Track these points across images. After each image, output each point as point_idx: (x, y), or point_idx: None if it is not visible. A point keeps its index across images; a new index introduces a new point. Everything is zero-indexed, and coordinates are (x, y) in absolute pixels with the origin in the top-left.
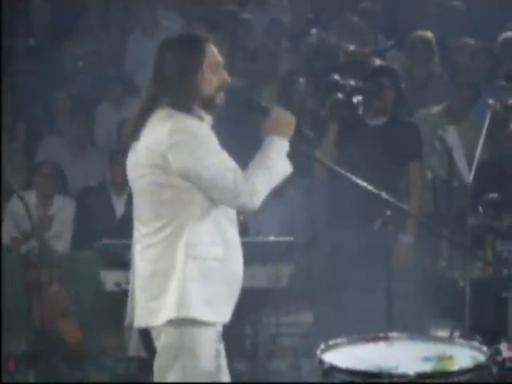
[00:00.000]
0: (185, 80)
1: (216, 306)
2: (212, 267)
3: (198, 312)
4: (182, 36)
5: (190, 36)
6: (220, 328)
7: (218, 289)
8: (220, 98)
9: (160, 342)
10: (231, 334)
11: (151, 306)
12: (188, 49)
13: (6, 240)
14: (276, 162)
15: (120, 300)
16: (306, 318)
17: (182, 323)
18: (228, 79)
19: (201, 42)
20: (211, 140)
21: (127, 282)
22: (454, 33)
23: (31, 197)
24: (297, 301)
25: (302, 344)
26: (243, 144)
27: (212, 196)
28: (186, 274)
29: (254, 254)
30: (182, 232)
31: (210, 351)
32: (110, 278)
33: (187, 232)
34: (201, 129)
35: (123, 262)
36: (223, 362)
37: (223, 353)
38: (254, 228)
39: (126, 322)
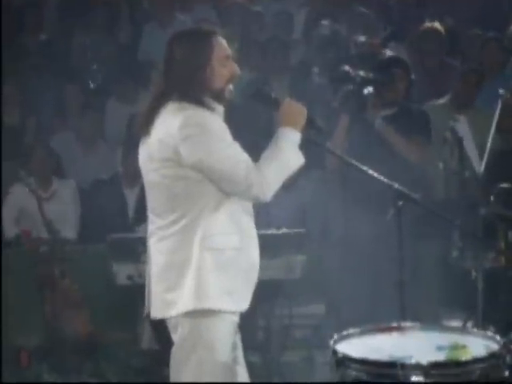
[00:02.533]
0: (194, 74)
1: (235, 295)
2: (228, 257)
3: (215, 302)
4: (191, 30)
5: (198, 30)
6: (237, 319)
7: (236, 278)
8: (229, 90)
9: (177, 334)
10: (244, 326)
11: (167, 298)
12: (197, 43)
13: (10, 233)
14: (288, 154)
15: (132, 293)
16: (319, 309)
17: (199, 315)
18: (238, 71)
19: (209, 36)
20: (223, 132)
21: (139, 275)
22: (464, 23)
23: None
24: (309, 292)
25: (314, 335)
26: (256, 135)
27: (224, 188)
28: (203, 265)
29: (265, 246)
30: (197, 223)
31: (226, 343)
32: (121, 271)
33: (202, 223)
34: (212, 121)
35: (135, 255)
36: (240, 353)
37: (240, 344)
38: (265, 219)
39: (144, 313)
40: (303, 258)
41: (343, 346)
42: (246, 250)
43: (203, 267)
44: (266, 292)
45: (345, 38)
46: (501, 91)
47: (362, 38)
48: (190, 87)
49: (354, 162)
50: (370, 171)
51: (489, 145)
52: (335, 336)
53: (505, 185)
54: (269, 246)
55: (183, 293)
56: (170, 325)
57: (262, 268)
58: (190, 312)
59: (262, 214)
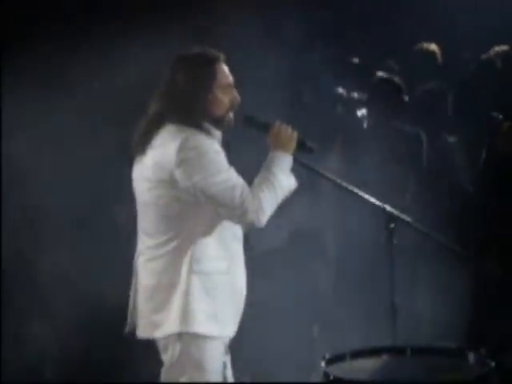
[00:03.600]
0: (195, 101)
1: (221, 321)
2: (216, 282)
3: (201, 327)
4: (195, 55)
5: (202, 55)
6: (226, 340)
7: (223, 303)
8: (230, 118)
9: (167, 355)
10: (233, 347)
11: (154, 319)
12: (200, 69)
13: None
14: (280, 178)
15: None
16: (312, 331)
17: (189, 336)
18: (239, 99)
19: (213, 63)
20: (219, 157)
21: None
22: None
23: None
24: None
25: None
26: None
27: (219, 212)
28: (190, 288)
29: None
30: (188, 246)
31: (217, 364)
32: None
33: (192, 246)
34: (209, 145)
35: None
36: (229, 373)
37: (229, 364)
38: (257, 241)
39: (126, 330)
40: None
41: (334, 367)
42: (233, 276)
43: (190, 291)
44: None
45: (340, 58)
46: (495, 114)
47: (356, 60)
48: (190, 112)
49: (346, 184)
50: (363, 194)
51: (481, 166)
52: (326, 357)
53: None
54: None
55: (170, 315)
56: (160, 345)
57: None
58: (179, 334)
59: (254, 235)
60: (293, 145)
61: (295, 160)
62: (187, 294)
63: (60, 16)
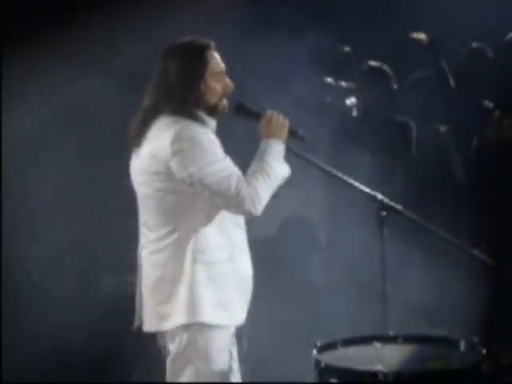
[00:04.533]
0: (188, 89)
1: (228, 309)
2: (221, 270)
3: (208, 316)
4: (185, 43)
5: (192, 43)
6: (233, 330)
7: (229, 291)
8: (223, 105)
9: (174, 345)
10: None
11: (160, 311)
12: (191, 57)
13: None
14: (274, 166)
15: None
16: (304, 319)
17: (196, 327)
18: (231, 85)
19: (203, 50)
20: (214, 146)
21: None
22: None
23: None
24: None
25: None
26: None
27: (216, 202)
28: (195, 278)
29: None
30: (189, 237)
31: (223, 355)
32: None
33: (194, 237)
34: (204, 135)
35: None
36: (235, 365)
37: (235, 355)
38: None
39: (134, 326)
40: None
41: (326, 355)
42: (238, 263)
43: (195, 281)
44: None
45: (329, 47)
46: (486, 103)
47: (347, 48)
48: (184, 102)
49: (336, 172)
50: (354, 182)
51: (472, 155)
52: (318, 345)
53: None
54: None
55: (176, 306)
56: (168, 335)
57: None
58: (186, 325)
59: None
60: (285, 133)
61: (286, 148)
62: (192, 284)
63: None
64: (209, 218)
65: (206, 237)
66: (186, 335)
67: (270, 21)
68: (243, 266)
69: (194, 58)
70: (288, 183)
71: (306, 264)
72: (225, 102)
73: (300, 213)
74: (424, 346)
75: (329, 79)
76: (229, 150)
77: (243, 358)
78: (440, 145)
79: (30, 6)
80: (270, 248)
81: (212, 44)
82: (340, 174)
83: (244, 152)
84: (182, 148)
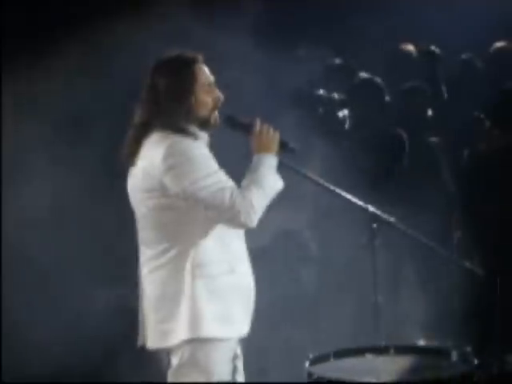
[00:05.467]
0: (178, 104)
1: (230, 322)
2: (221, 284)
3: (211, 330)
4: (172, 58)
5: (180, 57)
6: (236, 345)
7: (231, 304)
8: (215, 117)
9: (176, 359)
10: None
11: (162, 328)
12: (179, 71)
13: None
14: (268, 179)
15: None
16: (297, 331)
17: (198, 342)
18: (221, 98)
19: (192, 64)
20: (207, 159)
21: None
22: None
23: None
24: (287, 315)
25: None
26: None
27: (211, 216)
28: (196, 294)
29: None
30: (187, 252)
31: (224, 368)
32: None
33: (192, 252)
34: (196, 149)
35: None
36: (240, 378)
37: (241, 369)
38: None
39: (138, 344)
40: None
41: (318, 367)
42: (238, 275)
43: (196, 296)
44: None
45: (321, 60)
46: (476, 113)
47: (338, 61)
48: (174, 117)
49: (328, 184)
50: (346, 194)
51: (463, 166)
52: (310, 357)
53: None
54: None
55: (178, 323)
56: (170, 349)
57: None
58: (187, 340)
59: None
60: (275, 145)
61: (279, 161)
62: (193, 299)
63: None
64: (206, 232)
65: (204, 251)
66: (188, 349)
67: (262, 33)
68: (244, 277)
69: (183, 72)
70: (279, 195)
71: (297, 276)
72: (216, 114)
73: (291, 226)
74: (416, 356)
75: (321, 91)
76: (225, 161)
77: None
78: (431, 156)
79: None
80: (260, 261)
81: (200, 57)
82: (331, 187)
83: (241, 163)
84: (174, 164)
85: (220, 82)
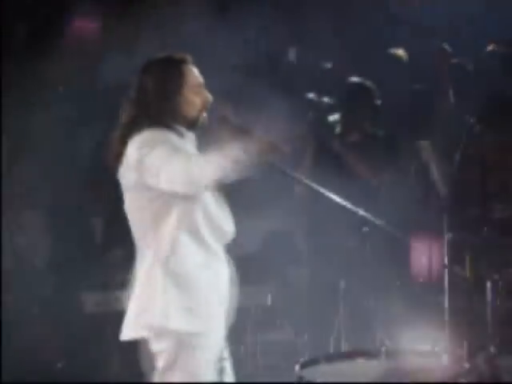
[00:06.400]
0: (166, 104)
1: (199, 316)
2: (192, 278)
3: (178, 323)
4: (162, 59)
5: (169, 58)
6: (218, 345)
7: (201, 299)
8: (203, 118)
9: (160, 361)
10: None
11: (138, 321)
12: (168, 72)
13: None
14: (217, 160)
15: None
16: (288, 335)
17: (174, 338)
18: (210, 98)
19: (180, 64)
20: (170, 143)
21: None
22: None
23: None
24: (278, 319)
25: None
26: None
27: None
28: (167, 287)
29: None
30: (161, 248)
31: (207, 370)
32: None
33: (165, 247)
34: (169, 137)
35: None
36: (228, 379)
37: (228, 370)
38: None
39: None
40: (272, 284)
41: (309, 371)
42: (214, 272)
43: (167, 289)
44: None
45: (313, 64)
46: (467, 118)
47: (328, 65)
48: (161, 114)
49: (319, 188)
50: (336, 198)
51: (454, 170)
52: (301, 361)
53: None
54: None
55: (149, 315)
56: (154, 351)
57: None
58: (161, 333)
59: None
60: (266, 152)
61: (270, 165)
62: (164, 293)
63: None
64: (180, 226)
65: (177, 245)
66: (169, 350)
67: (251, 38)
68: (217, 272)
69: (171, 72)
70: (272, 200)
71: (290, 279)
72: (204, 115)
73: (283, 229)
74: (407, 359)
75: (311, 95)
76: None
77: None
78: (422, 159)
79: None
80: (252, 264)
81: (189, 58)
82: (323, 190)
83: None
84: (145, 152)
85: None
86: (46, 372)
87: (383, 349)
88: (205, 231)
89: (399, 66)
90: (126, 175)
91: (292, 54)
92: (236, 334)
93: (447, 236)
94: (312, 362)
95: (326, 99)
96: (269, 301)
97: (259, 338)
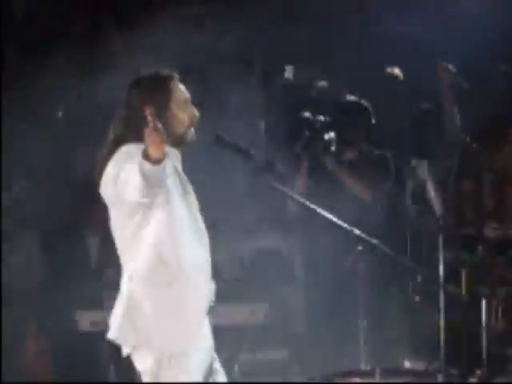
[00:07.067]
0: None
1: (167, 334)
2: (160, 295)
3: (147, 340)
4: (148, 76)
5: (155, 75)
6: (201, 361)
7: (165, 317)
8: (191, 134)
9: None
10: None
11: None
12: (155, 89)
13: None
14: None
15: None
16: (282, 354)
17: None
18: (197, 114)
19: (167, 81)
20: None
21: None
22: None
23: None
24: (272, 338)
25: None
26: None
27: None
28: (133, 303)
29: (229, 292)
30: (139, 262)
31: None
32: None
33: (142, 263)
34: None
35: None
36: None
37: (219, 369)
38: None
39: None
40: (266, 304)
41: None
42: (180, 289)
43: (135, 306)
44: (228, 338)
45: (307, 82)
46: (463, 136)
47: (323, 83)
48: None
49: (315, 207)
50: (331, 217)
51: (449, 188)
52: (296, 382)
53: (465, 230)
54: (232, 292)
55: (122, 330)
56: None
57: (225, 314)
58: (145, 353)
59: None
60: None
61: (266, 184)
62: (133, 309)
63: None
64: (157, 244)
65: (145, 262)
66: (151, 368)
67: (248, 55)
68: (188, 291)
69: (158, 88)
70: (266, 218)
71: (284, 298)
72: (192, 130)
73: (277, 248)
74: (402, 379)
75: (306, 113)
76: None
77: None
78: (417, 177)
79: None
80: (247, 283)
81: (175, 75)
82: (318, 209)
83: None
84: (119, 166)
85: None
86: None
87: (378, 368)
88: (180, 248)
89: (395, 85)
90: (106, 191)
91: (288, 72)
92: (231, 353)
93: (443, 254)
94: (308, 383)
95: (321, 117)
96: (264, 319)
97: (255, 356)
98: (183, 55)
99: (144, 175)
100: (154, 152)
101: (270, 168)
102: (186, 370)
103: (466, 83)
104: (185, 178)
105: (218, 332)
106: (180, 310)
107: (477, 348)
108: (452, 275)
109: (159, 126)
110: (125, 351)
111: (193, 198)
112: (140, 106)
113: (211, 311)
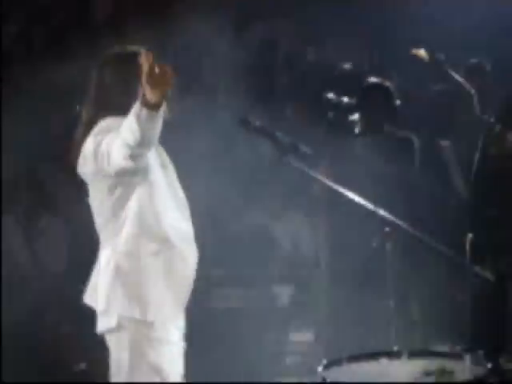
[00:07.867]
0: (125, 97)
1: (145, 303)
2: (143, 265)
3: (123, 308)
4: (117, 53)
5: (125, 51)
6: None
7: (151, 286)
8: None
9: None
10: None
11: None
12: (125, 65)
13: None
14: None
15: None
16: (308, 336)
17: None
18: (170, 87)
19: (136, 56)
20: None
21: None
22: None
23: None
24: (298, 320)
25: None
26: None
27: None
28: (115, 272)
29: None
30: (118, 237)
31: (172, 368)
32: None
33: (121, 238)
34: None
35: None
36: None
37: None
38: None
39: None
40: (292, 286)
41: (332, 372)
42: (169, 259)
43: (115, 273)
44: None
45: (331, 64)
46: (487, 117)
47: (347, 65)
48: (122, 110)
49: (339, 188)
50: (357, 198)
51: (474, 170)
52: (324, 362)
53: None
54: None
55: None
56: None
57: (250, 296)
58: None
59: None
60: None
61: (289, 164)
62: (113, 279)
63: None
64: (136, 218)
65: (131, 234)
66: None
67: (270, 38)
68: (175, 261)
69: (128, 65)
70: (291, 198)
71: (310, 280)
72: (165, 106)
73: (302, 230)
74: (429, 360)
75: (330, 95)
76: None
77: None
78: (442, 159)
79: None
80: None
81: (144, 50)
82: (343, 190)
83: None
84: (97, 140)
85: None
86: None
87: (406, 349)
88: (163, 220)
89: (421, 66)
90: (85, 167)
91: (311, 54)
92: (259, 334)
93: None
94: (335, 363)
95: (345, 99)
96: (288, 302)
97: (282, 338)
98: (206, 42)
99: (140, 122)
100: (150, 96)
101: (294, 150)
102: (168, 341)
103: (488, 64)
104: (161, 149)
105: (245, 313)
106: (168, 279)
107: (505, 328)
108: (478, 256)
109: (159, 68)
110: (112, 322)
111: (171, 170)
112: (111, 83)
113: None
